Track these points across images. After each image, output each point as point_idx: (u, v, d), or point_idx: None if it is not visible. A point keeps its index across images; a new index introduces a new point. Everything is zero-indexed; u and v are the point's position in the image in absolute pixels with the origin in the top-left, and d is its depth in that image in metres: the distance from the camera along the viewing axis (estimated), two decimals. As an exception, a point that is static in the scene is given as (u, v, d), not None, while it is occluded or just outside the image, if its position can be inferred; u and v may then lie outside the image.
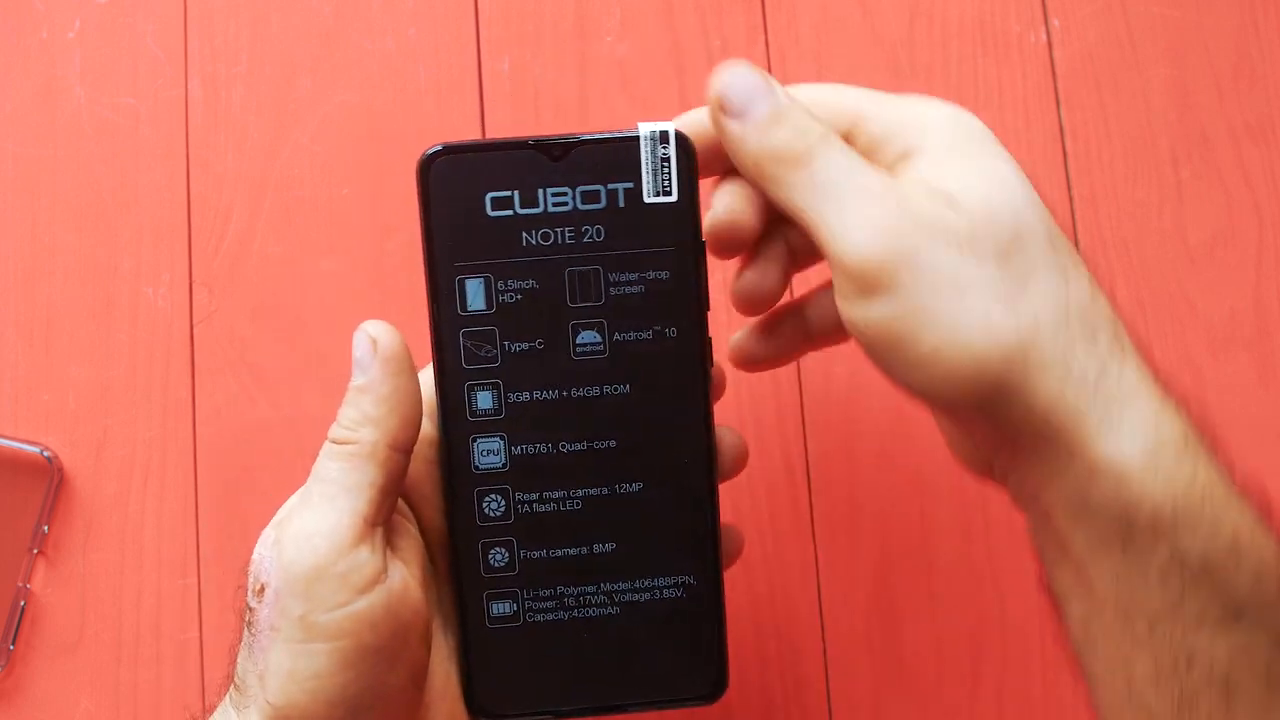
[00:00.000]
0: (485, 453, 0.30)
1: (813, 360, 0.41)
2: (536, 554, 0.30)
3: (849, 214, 0.26)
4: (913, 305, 0.26)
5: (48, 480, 0.40)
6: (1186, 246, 0.42)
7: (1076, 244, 0.42)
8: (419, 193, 0.30)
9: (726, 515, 0.40)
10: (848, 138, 0.28)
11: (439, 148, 0.30)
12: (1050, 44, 0.43)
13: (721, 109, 0.28)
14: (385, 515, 0.28)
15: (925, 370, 0.26)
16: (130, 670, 0.40)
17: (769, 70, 0.43)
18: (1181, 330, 0.42)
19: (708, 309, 0.31)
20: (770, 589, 0.40)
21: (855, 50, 0.43)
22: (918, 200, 0.26)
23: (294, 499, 0.29)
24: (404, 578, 0.28)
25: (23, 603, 0.40)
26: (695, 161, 0.30)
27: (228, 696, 0.28)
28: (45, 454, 0.40)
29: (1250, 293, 0.42)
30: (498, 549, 0.30)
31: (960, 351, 0.25)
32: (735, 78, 0.28)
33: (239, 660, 0.28)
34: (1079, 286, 0.27)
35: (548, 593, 0.30)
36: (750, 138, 0.28)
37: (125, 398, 0.41)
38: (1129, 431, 0.26)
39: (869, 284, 0.26)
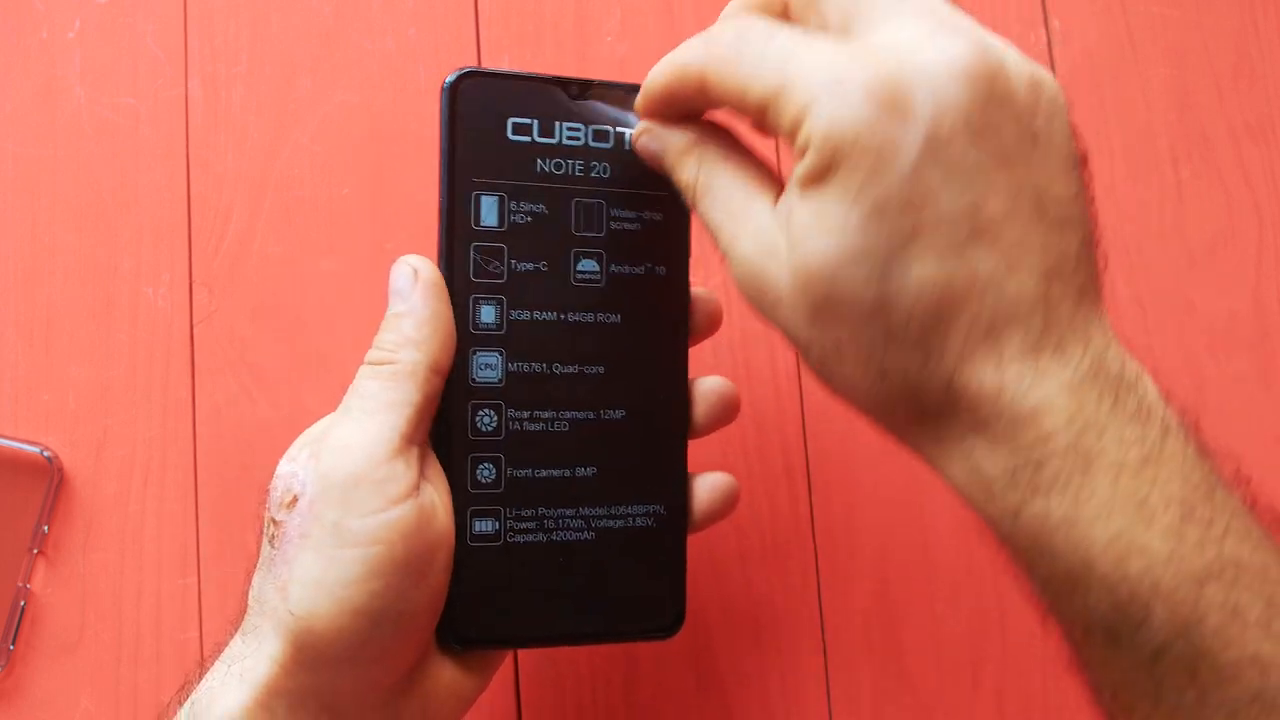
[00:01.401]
0: (483, 366, 0.31)
1: (813, 360, 0.42)
2: (522, 473, 0.31)
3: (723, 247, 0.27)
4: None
5: (48, 480, 0.40)
6: (1186, 246, 0.42)
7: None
8: (443, 112, 0.31)
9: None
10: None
11: (467, 70, 0.31)
12: (1050, 44, 0.43)
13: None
14: (421, 436, 0.29)
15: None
16: (130, 670, 0.40)
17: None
18: (1181, 330, 0.42)
19: (689, 255, 0.33)
20: (770, 589, 0.40)
21: (855, 50, 0.43)
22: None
23: (325, 421, 0.30)
24: (434, 499, 0.29)
25: (23, 603, 0.40)
26: None
27: (240, 628, 0.29)
28: (45, 454, 0.40)
29: (1250, 293, 0.42)
30: (486, 464, 0.31)
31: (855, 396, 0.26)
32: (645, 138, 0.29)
33: (254, 581, 0.29)
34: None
35: (529, 513, 0.31)
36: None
37: (125, 398, 0.41)
38: (957, 460, 0.25)
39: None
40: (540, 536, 0.31)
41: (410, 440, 0.29)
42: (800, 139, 0.23)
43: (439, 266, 0.31)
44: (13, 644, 0.39)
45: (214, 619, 0.40)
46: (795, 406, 0.41)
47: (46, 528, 0.40)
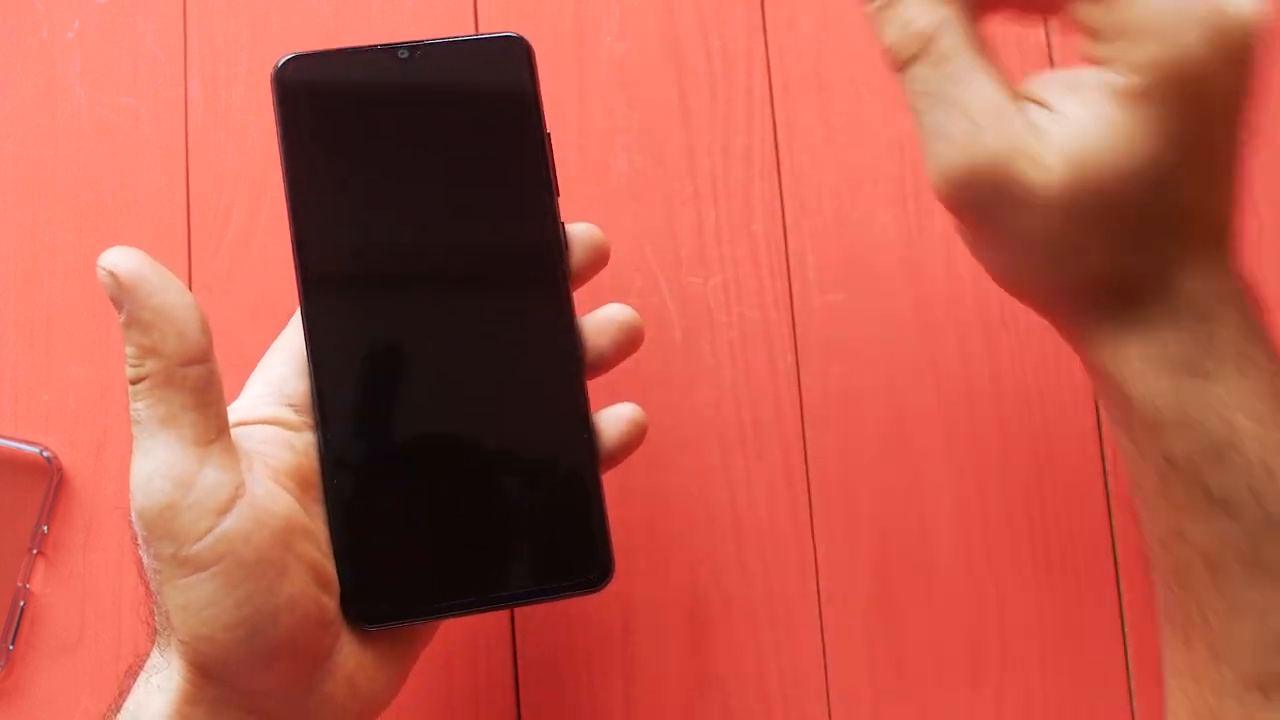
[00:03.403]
0: (340, 326, 0.31)
1: (812, 360, 0.42)
2: (397, 428, 0.30)
3: (938, 128, 0.27)
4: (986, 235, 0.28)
5: (47, 480, 0.40)
6: (1186, 247, 0.42)
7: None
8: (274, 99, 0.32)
9: (723, 510, 0.40)
10: None
11: (291, 56, 0.32)
12: (1050, 44, 0.43)
13: None
14: (216, 430, 0.28)
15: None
16: (130, 670, 0.40)
17: (768, 70, 0.43)
18: (1181, 330, 0.42)
19: (557, 195, 0.32)
20: (770, 589, 0.40)
21: (855, 50, 0.43)
22: (1010, 124, 0.26)
23: None
24: (266, 485, 0.28)
25: (22, 603, 0.40)
26: (535, 66, 0.32)
27: (156, 641, 0.29)
28: (45, 454, 0.40)
29: (1250, 293, 0.42)
30: (352, 423, 0.30)
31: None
32: None
33: (153, 608, 0.28)
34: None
35: (413, 472, 0.30)
36: (874, 26, 0.28)
37: (125, 398, 0.41)
38: (1138, 340, 0.27)
39: (950, 207, 0.28)
40: (429, 496, 0.30)
41: (204, 442, 0.27)
42: (1145, 52, 0.25)
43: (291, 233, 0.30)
44: (12, 644, 0.39)
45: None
46: (795, 406, 0.41)
47: (46, 528, 0.40)
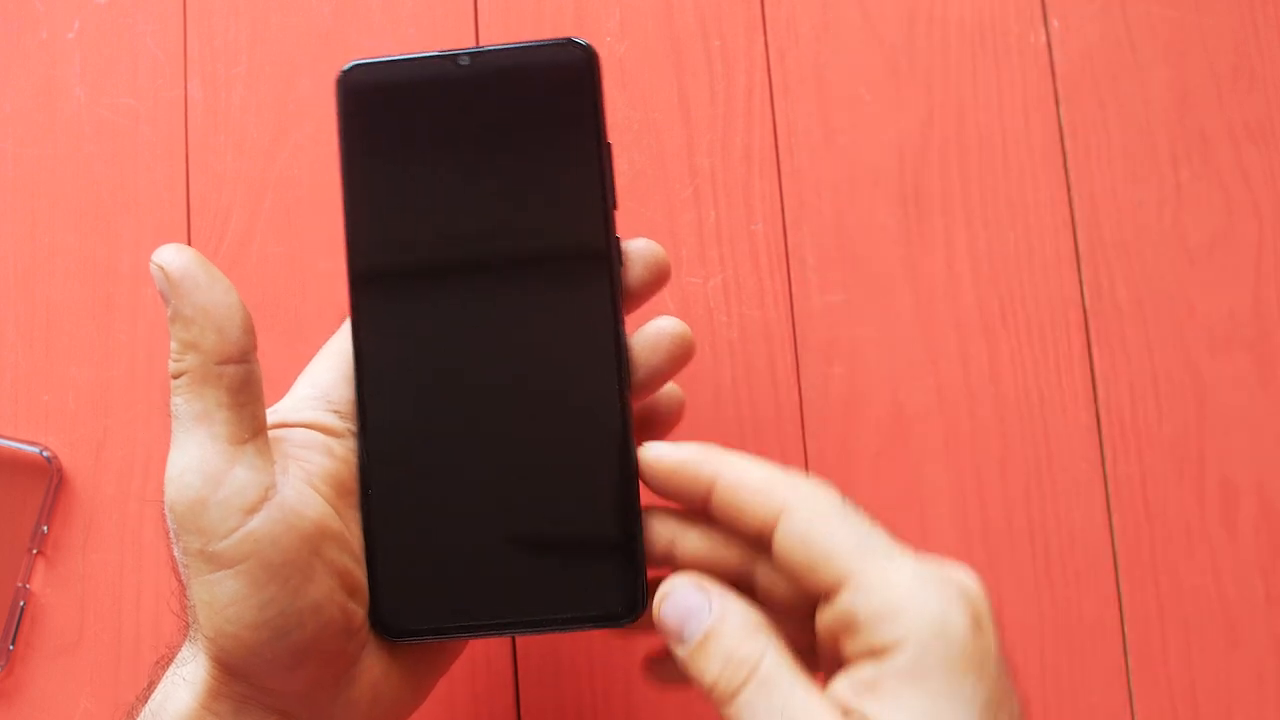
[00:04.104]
0: (389, 339, 0.31)
1: (811, 360, 0.42)
2: (437, 443, 0.30)
3: None
4: None
5: (47, 480, 0.40)
6: (1186, 247, 0.42)
7: (1076, 245, 0.42)
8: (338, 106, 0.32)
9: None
10: (833, 591, 0.27)
11: (353, 64, 0.31)
12: (1050, 44, 0.43)
13: (667, 633, 0.28)
14: (251, 430, 0.28)
15: None
16: (130, 670, 0.40)
17: (768, 70, 0.43)
18: (1181, 330, 0.42)
19: (615, 207, 0.31)
20: (769, 589, 0.40)
21: (855, 50, 0.43)
22: None
23: None
24: (298, 488, 0.28)
25: (22, 603, 0.40)
26: (599, 73, 0.32)
27: (187, 634, 0.29)
28: (45, 454, 0.40)
29: (1250, 293, 0.42)
30: (394, 436, 0.30)
31: None
32: (671, 602, 0.28)
33: (184, 600, 0.29)
34: None
35: (449, 487, 0.30)
36: (688, 665, 0.27)
37: (125, 398, 0.41)
38: None
39: None
40: (465, 514, 0.30)
41: (237, 441, 0.27)
42: (890, 633, 0.25)
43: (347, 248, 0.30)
44: (12, 644, 0.39)
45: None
46: (795, 406, 0.41)
47: (46, 528, 0.40)
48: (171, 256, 0.28)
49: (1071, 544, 0.40)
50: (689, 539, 0.30)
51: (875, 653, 0.26)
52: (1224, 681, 0.40)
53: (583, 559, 0.30)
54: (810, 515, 0.27)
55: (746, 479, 0.28)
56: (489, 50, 0.31)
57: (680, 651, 0.27)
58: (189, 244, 0.42)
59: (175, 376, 0.28)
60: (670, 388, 0.33)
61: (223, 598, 0.27)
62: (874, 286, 0.42)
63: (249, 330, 0.28)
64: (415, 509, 0.30)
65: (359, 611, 0.29)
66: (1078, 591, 0.40)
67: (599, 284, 0.30)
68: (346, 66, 0.31)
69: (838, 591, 0.26)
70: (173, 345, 0.28)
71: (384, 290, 0.31)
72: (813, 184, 0.43)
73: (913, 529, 0.41)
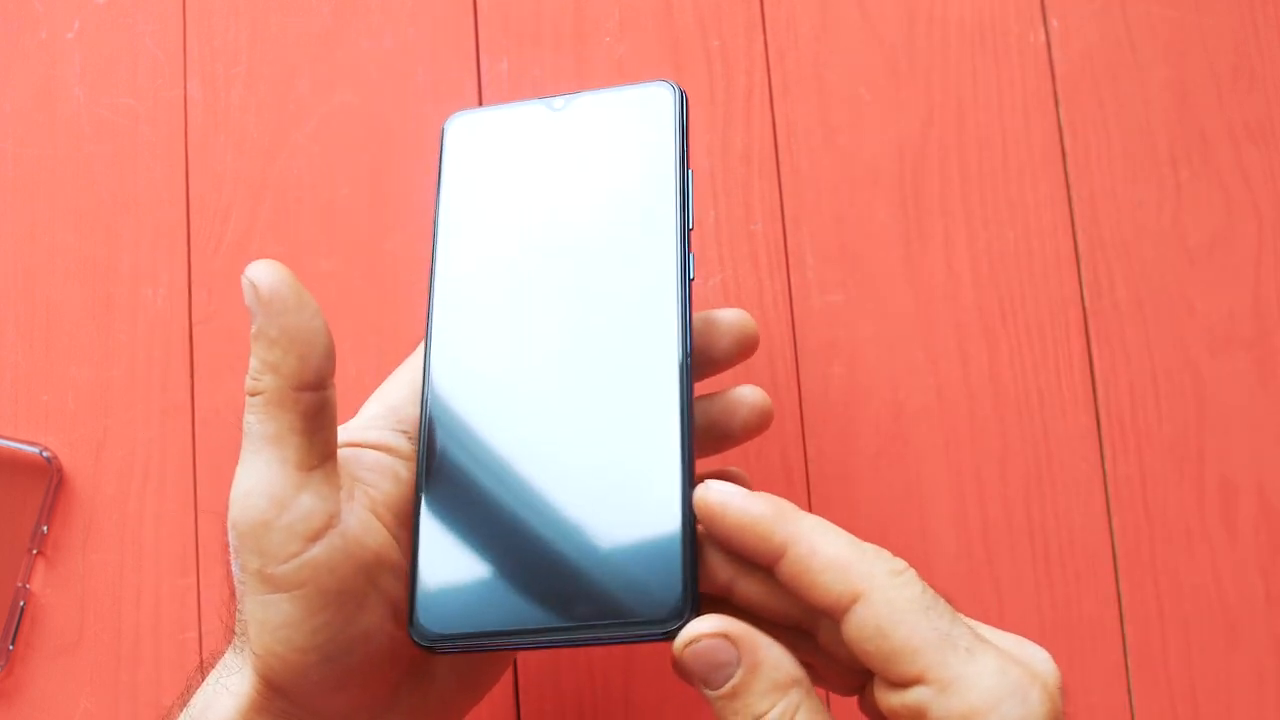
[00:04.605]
0: (452, 360, 0.31)
1: (811, 360, 0.41)
2: (482, 451, 0.30)
3: None
4: None
5: (47, 480, 0.40)
6: (1186, 247, 0.42)
7: (1075, 245, 0.42)
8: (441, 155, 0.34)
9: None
10: (908, 683, 0.25)
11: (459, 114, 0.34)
12: (1049, 44, 0.43)
13: (691, 679, 0.26)
14: (320, 456, 0.28)
15: None
16: (130, 670, 0.40)
17: (767, 70, 0.43)
18: (1181, 330, 0.42)
19: (691, 228, 0.32)
20: (769, 589, 0.40)
21: (854, 50, 0.43)
22: None
23: None
24: (362, 516, 0.28)
25: (22, 603, 0.40)
26: (686, 110, 0.33)
27: (233, 642, 0.29)
28: (45, 454, 0.40)
29: (1250, 293, 0.42)
30: (440, 444, 0.30)
31: None
32: (694, 651, 0.26)
33: (236, 611, 0.29)
34: None
35: (491, 495, 0.30)
36: (715, 708, 0.26)
37: (125, 398, 0.41)
38: None
39: None
40: (515, 533, 0.29)
41: (307, 467, 0.27)
42: None
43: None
44: (12, 644, 0.39)
45: (213, 619, 0.40)
46: (795, 406, 0.41)
47: (46, 528, 0.40)
48: (264, 274, 0.27)
49: (1071, 544, 0.40)
50: (751, 583, 0.28)
51: None
52: (1224, 681, 0.40)
53: (634, 581, 0.28)
54: (888, 608, 0.25)
55: (821, 554, 0.26)
56: (580, 96, 0.33)
57: (707, 693, 0.26)
58: (189, 244, 0.42)
59: (251, 394, 0.28)
60: (759, 398, 0.33)
61: (276, 619, 0.27)
62: (874, 286, 0.42)
63: (330, 356, 0.28)
64: (464, 522, 0.30)
65: (404, 634, 0.29)
66: (1077, 591, 0.40)
67: (666, 298, 0.30)
68: (451, 118, 0.33)
69: (912, 684, 0.25)
70: (253, 362, 0.28)
71: (459, 314, 0.31)
72: (812, 184, 0.43)
73: (913, 529, 0.41)
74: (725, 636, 0.25)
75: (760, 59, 0.43)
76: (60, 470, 0.40)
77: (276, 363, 0.27)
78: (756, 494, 0.27)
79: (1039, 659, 0.26)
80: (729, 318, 0.32)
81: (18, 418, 0.41)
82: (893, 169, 0.43)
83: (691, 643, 0.26)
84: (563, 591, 0.28)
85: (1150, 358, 0.42)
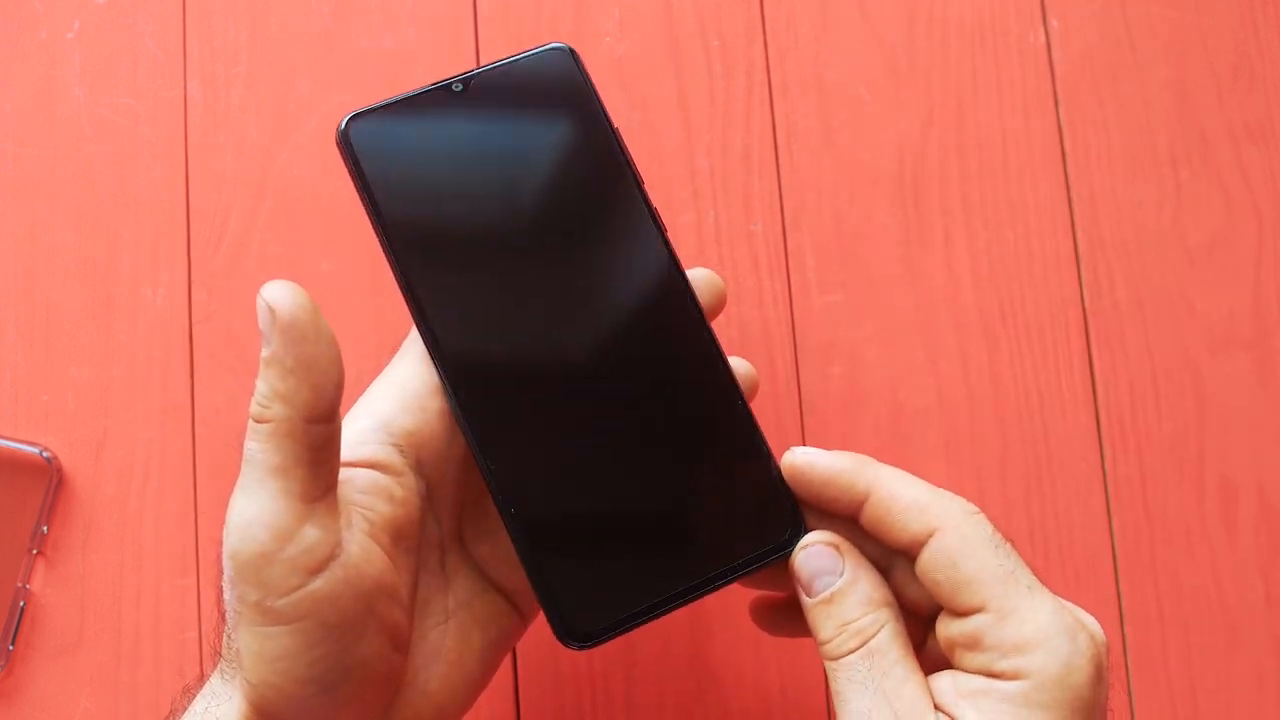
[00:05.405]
0: (474, 373, 0.30)
1: (810, 360, 0.42)
2: (566, 445, 0.30)
3: (864, 714, 0.27)
4: None
5: (47, 481, 0.40)
6: (1186, 247, 0.42)
7: (1075, 245, 0.42)
8: (346, 161, 0.31)
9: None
10: (970, 612, 0.27)
11: (352, 114, 0.31)
12: (1049, 44, 0.43)
13: (798, 580, 0.30)
14: (324, 488, 0.27)
15: None
16: (130, 670, 0.40)
17: (767, 70, 0.43)
18: (1181, 330, 0.42)
19: (642, 184, 0.32)
20: (769, 589, 0.40)
21: (854, 50, 0.43)
22: None
23: None
24: (362, 543, 0.28)
25: (22, 603, 0.40)
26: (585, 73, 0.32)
27: (219, 667, 0.29)
28: (44, 454, 0.40)
29: (1250, 293, 0.42)
30: (523, 455, 0.30)
31: None
32: (806, 555, 0.29)
33: (224, 636, 0.28)
34: None
35: (585, 478, 0.30)
36: (809, 615, 0.29)
37: (125, 398, 0.41)
38: None
39: None
40: (607, 503, 0.30)
41: (311, 499, 0.27)
42: (1015, 663, 0.26)
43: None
44: (12, 644, 0.39)
45: (213, 619, 0.40)
46: (795, 406, 0.41)
47: (46, 528, 0.40)
48: (282, 298, 0.26)
49: (1071, 544, 0.40)
50: (832, 526, 0.30)
51: (993, 675, 0.27)
52: (1224, 681, 0.40)
53: (728, 501, 0.30)
54: (961, 540, 0.28)
55: (902, 496, 0.29)
56: (479, 72, 0.31)
57: (805, 600, 0.29)
58: (188, 244, 0.42)
59: (257, 420, 0.27)
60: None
61: (273, 651, 0.26)
62: (874, 286, 0.42)
63: (341, 388, 0.27)
64: (564, 517, 0.30)
65: (402, 661, 0.29)
66: (1078, 591, 0.40)
67: (654, 245, 0.31)
68: (344, 120, 0.31)
69: (973, 613, 0.27)
70: (262, 387, 0.26)
71: (459, 315, 0.30)
72: (812, 184, 0.43)
73: (912, 529, 0.41)
74: (835, 546, 0.29)
75: (760, 59, 0.43)
76: (60, 470, 0.40)
77: (289, 394, 0.26)
78: (836, 451, 0.30)
79: (1091, 619, 0.28)
80: (699, 276, 0.32)
81: (18, 418, 0.41)
82: (892, 169, 0.43)
83: (806, 547, 0.29)
84: (685, 548, 0.30)
85: (1150, 358, 0.42)
